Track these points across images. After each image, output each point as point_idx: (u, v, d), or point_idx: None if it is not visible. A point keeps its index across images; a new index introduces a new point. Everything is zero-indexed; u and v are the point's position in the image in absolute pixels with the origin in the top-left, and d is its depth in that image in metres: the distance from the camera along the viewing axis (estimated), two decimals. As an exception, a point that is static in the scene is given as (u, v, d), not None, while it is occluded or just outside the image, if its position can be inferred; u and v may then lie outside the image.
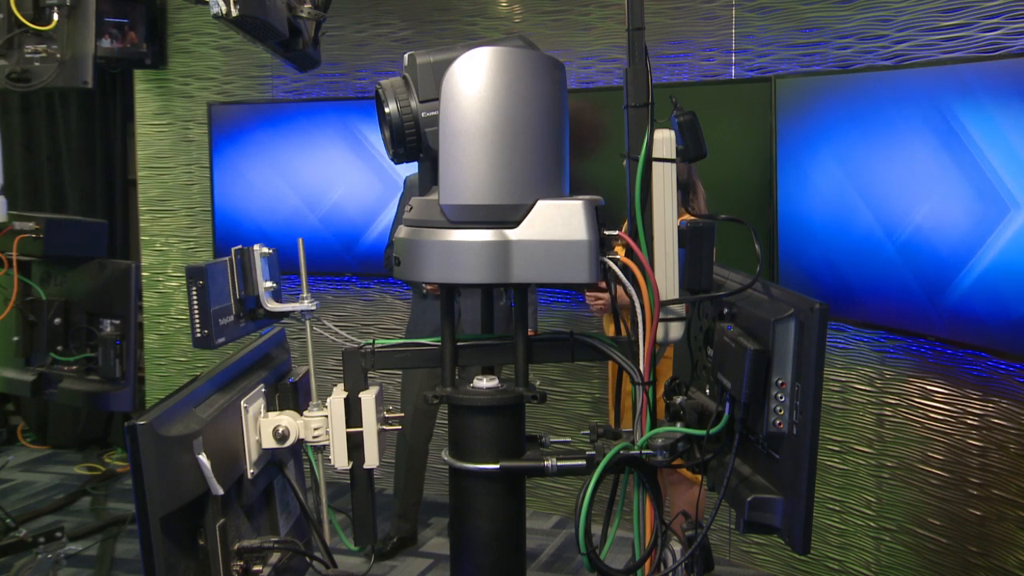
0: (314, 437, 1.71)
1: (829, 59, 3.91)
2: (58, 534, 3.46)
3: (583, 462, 1.61)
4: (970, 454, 3.45)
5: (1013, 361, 3.25)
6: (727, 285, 1.65)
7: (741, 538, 4.34)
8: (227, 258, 1.74)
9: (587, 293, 3.76)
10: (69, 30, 2.57)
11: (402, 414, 1.79)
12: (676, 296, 1.61)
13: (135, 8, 5.36)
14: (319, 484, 1.78)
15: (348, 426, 1.68)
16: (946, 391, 3.54)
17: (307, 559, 1.76)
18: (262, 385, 1.74)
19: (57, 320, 2.95)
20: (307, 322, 1.80)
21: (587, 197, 1.55)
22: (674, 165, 1.61)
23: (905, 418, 3.71)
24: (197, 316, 1.65)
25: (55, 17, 2.55)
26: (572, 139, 1.60)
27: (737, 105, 4.13)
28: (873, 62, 3.73)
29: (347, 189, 5.20)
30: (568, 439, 1.76)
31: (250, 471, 1.66)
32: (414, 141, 1.55)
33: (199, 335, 1.65)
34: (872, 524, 3.85)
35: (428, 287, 4.11)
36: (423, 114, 1.54)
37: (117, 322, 2.88)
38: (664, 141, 1.60)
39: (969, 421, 3.45)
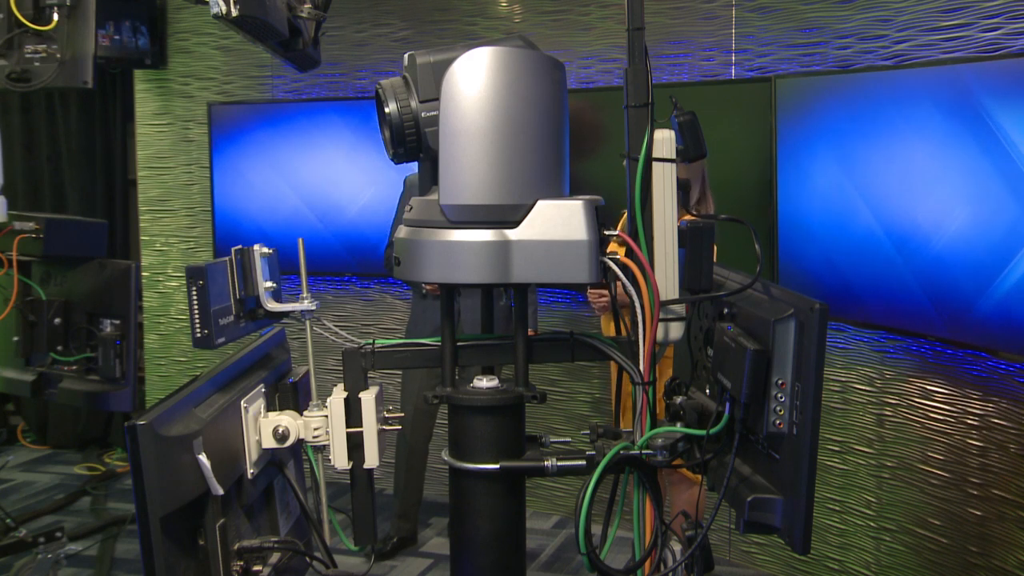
0: (314, 437, 1.71)
1: (829, 59, 3.91)
2: (58, 534, 3.46)
3: (583, 462, 1.61)
4: (970, 454, 3.45)
5: (1013, 361, 3.25)
6: (727, 285, 1.65)
7: (741, 538, 4.34)
8: (227, 258, 1.74)
9: (589, 291, 3.76)
10: (69, 30, 2.57)
11: (402, 414, 1.79)
12: (676, 296, 1.61)
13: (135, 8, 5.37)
14: (319, 484, 1.78)
15: (348, 426, 1.68)
16: (946, 391, 3.54)
17: (307, 559, 1.76)
18: (262, 385, 1.74)
19: (57, 320, 2.95)
20: (307, 322, 1.80)
21: (587, 197, 1.55)
22: (674, 165, 1.61)
23: (905, 418, 3.71)
24: (197, 316, 1.65)
25: (55, 17, 2.55)
26: (572, 139, 1.60)
27: (737, 105, 4.13)
28: (873, 62, 3.73)
29: (347, 189, 5.20)
30: (568, 439, 1.76)
31: (250, 471, 1.66)
32: (414, 141, 1.55)
33: (199, 335, 1.65)
34: (872, 524, 3.85)
35: (428, 287, 4.11)
36: (423, 114, 1.54)
37: (117, 322, 2.88)
38: (664, 141, 1.60)
39: (969, 421, 3.45)
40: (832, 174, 3.77)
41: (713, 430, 1.54)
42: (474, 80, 1.49)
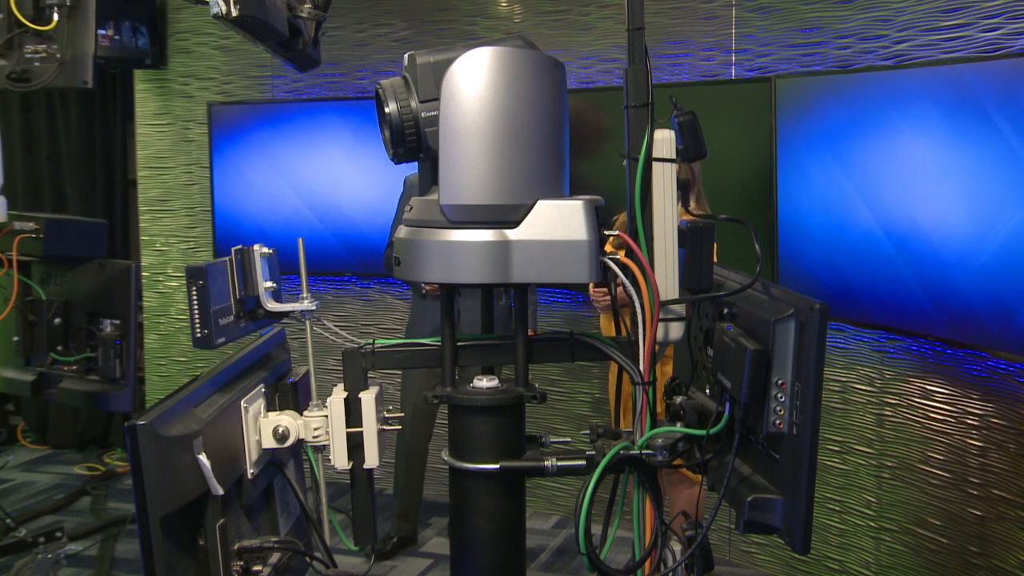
0: (314, 437, 1.71)
1: (829, 59, 3.91)
2: (58, 534, 3.46)
3: (583, 462, 1.61)
4: (970, 454, 3.45)
5: (1013, 361, 3.25)
6: (727, 285, 1.65)
7: (741, 538, 4.34)
8: (227, 258, 1.74)
9: (593, 289, 3.76)
10: (69, 30, 2.57)
11: (402, 414, 1.79)
12: (676, 296, 1.61)
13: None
14: (319, 484, 1.78)
15: (348, 426, 1.68)
16: (946, 391, 3.54)
17: (307, 559, 1.76)
18: (262, 385, 1.74)
19: (57, 320, 2.95)
20: (307, 322, 1.80)
21: (587, 197, 1.55)
22: (674, 165, 1.61)
23: (905, 418, 3.71)
24: (197, 316, 1.65)
25: (55, 17, 2.55)
26: (572, 139, 1.60)
27: (737, 105, 4.13)
28: (873, 62, 3.73)
29: (347, 189, 5.20)
30: (568, 439, 1.76)
31: (250, 471, 1.66)
32: (414, 141, 1.55)
33: (199, 335, 1.65)
34: (872, 524, 3.85)
35: (428, 287, 4.11)
36: (423, 114, 1.54)
37: (117, 322, 2.88)
38: (664, 141, 1.60)
39: (969, 421, 3.45)
40: (832, 174, 3.77)
41: (713, 430, 1.54)
42: (474, 80, 1.49)
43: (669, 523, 1.66)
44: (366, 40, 5.23)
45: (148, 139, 5.72)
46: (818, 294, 1.73)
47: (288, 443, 1.69)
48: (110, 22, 5.27)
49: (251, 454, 1.66)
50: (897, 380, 3.74)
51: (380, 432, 1.70)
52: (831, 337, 3.92)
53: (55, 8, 2.55)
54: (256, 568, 1.61)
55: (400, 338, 1.94)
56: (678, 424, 1.63)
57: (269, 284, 1.79)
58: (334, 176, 5.21)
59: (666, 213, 1.60)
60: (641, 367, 1.59)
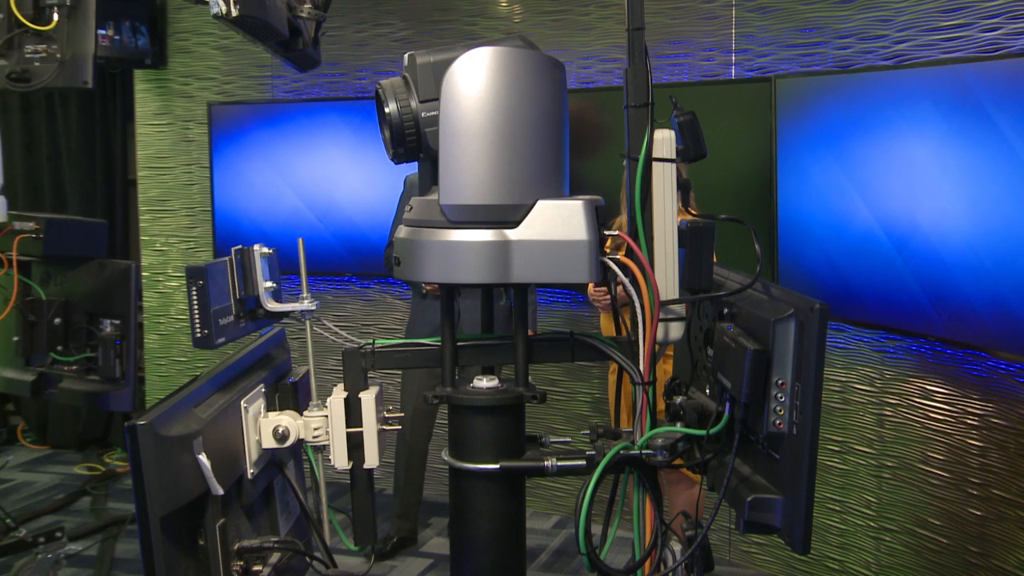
0: (314, 437, 1.71)
1: (829, 59, 3.91)
2: (58, 534, 3.46)
3: (583, 462, 1.61)
4: (970, 454, 3.45)
5: (1013, 361, 3.25)
6: (727, 285, 1.65)
7: (741, 538, 4.34)
8: (227, 258, 1.74)
9: (593, 289, 3.76)
10: (69, 30, 2.57)
11: (402, 414, 1.79)
12: (676, 296, 1.61)
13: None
14: (319, 484, 1.78)
15: (348, 426, 1.68)
16: (946, 391, 3.54)
17: (307, 559, 1.76)
18: (262, 385, 1.74)
19: (57, 320, 2.95)
20: (307, 322, 1.80)
21: (587, 197, 1.55)
22: (674, 165, 1.61)
23: (905, 418, 3.71)
24: (197, 316, 1.65)
25: (55, 17, 2.55)
26: (572, 139, 1.60)
27: (737, 105, 4.13)
28: (873, 62, 3.73)
29: (347, 189, 5.20)
30: (568, 439, 1.76)
31: (250, 471, 1.66)
32: (414, 141, 1.55)
33: (199, 335, 1.65)
34: (872, 524, 3.85)
35: (428, 287, 4.11)
36: (423, 114, 1.54)
37: (117, 322, 2.88)
38: (664, 141, 1.60)
39: (969, 421, 3.45)
40: (832, 174, 3.77)
41: (713, 430, 1.54)
42: (474, 80, 1.49)
43: (669, 523, 1.66)
44: (366, 40, 5.23)
45: (148, 139, 5.72)
46: (818, 294, 1.73)
47: (288, 443, 1.69)
48: (110, 22, 5.27)
49: (251, 454, 1.66)
50: (897, 380, 3.74)
51: (380, 432, 1.70)
52: (831, 337, 3.92)
53: (55, 8, 2.54)
54: (256, 568, 1.61)
55: (400, 338, 1.94)
56: (678, 424, 1.63)
57: (269, 284, 1.79)
58: (334, 176, 5.21)
59: (666, 213, 1.60)
60: (641, 367, 1.59)
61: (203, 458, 1.46)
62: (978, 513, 3.41)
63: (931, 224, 3.41)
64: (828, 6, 3.90)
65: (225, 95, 5.52)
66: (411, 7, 5.13)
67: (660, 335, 1.60)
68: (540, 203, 1.51)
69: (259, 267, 1.78)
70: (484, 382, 1.64)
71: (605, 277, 1.56)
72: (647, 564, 1.64)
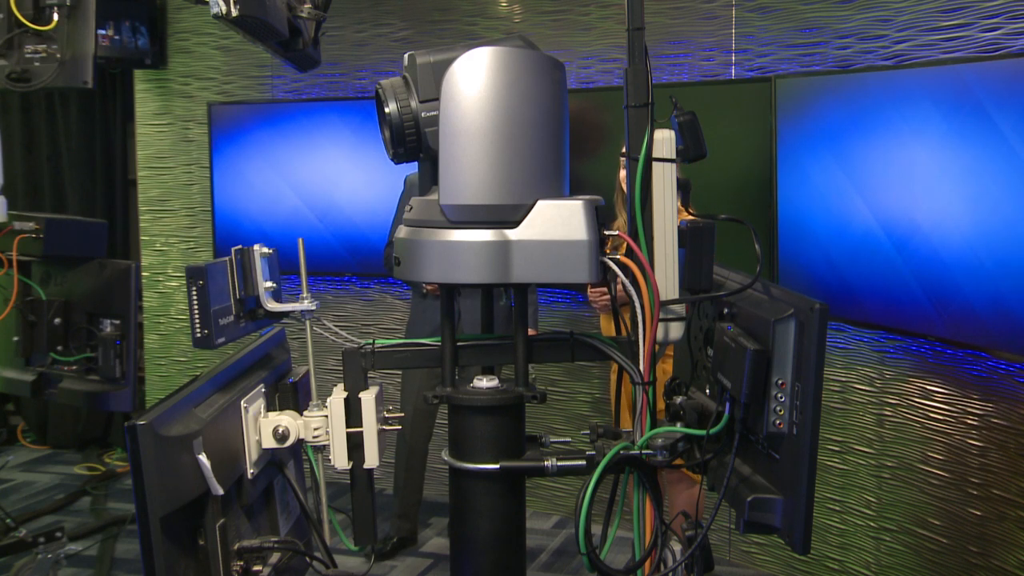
0: (314, 437, 1.71)
1: (829, 59, 3.91)
2: (58, 534, 3.46)
3: (583, 462, 1.61)
4: (970, 454, 3.45)
5: (1013, 361, 3.25)
6: (727, 285, 1.65)
7: (741, 538, 4.34)
8: (227, 258, 1.74)
9: (590, 289, 3.76)
10: (69, 30, 2.57)
11: (402, 414, 1.79)
12: (676, 296, 1.61)
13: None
14: (319, 484, 1.78)
15: (348, 426, 1.68)
16: (946, 391, 3.54)
17: (307, 559, 1.76)
18: (262, 385, 1.74)
19: (57, 320, 2.95)
20: (307, 322, 1.80)
21: (587, 197, 1.55)
22: (674, 165, 1.61)
23: (905, 418, 3.71)
24: (197, 316, 1.65)
25: (55, 17, 2.55)
26: (572, 139, 1.60)
27: (737, 105, 4.13)
28: (873, 62, 3.73)
29: (347, 189, 5.20)
30: (568, 439, 1.76)
31: (250, 471, 1.66)
32: (414, 141, 1.55)
33: (199, 335, 1.65)
34: (872, 524, 3.85)
35: (428, 287, 4.11)
36: (423, 114, 1.54)
37: (117, 322, 2.88)
38: (664, 141, 1.60)
39: (969, 421, 3.45)
40: (832, 174, 3.77)
41: (713, 430, 1.54)
42: (474, 80, 1.49)
43: (669, 523, 1.66)
44: (366, 40, 5.23)
45: (148, 139, 5.72)
46: (818, 294, 1.73)
47: (288, 443, 1.69)
48: (110, 22, 5.27)
49: (251, 454, 1.66)
50: (897, 380, 3.74)
51: (380, 432, 1.70)
52: (831, 337, 3.92)
53: (55, 8, 2.54)
54: (256, 568, 1.61)
55: (400, 338, 1.94)
56: (678, 424, 1.63)
57: (269, 284, 1.79)
58: (334, 176, 5.21)
59: (666, 213, 1.60)
60: (641, 367, 1.59)
61: (203, 458, 1.46)
62: (978, 513, 3.41)
63: (931, 224, 3.41)
64: (828, 6, 3.90)
65: (225, 95, 5.52)
66: (411, 7, 5.13)
67: (660, 335, 1.60)
68: (540, 203, 1.51)
69: (259, 267, 1.78)
70: (484, 382, 1.64)
71: (605, 277, 1.56)
72: (647, 564, 1.64)
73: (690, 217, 1.65)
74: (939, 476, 3.57)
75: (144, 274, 5.75)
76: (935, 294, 3.42)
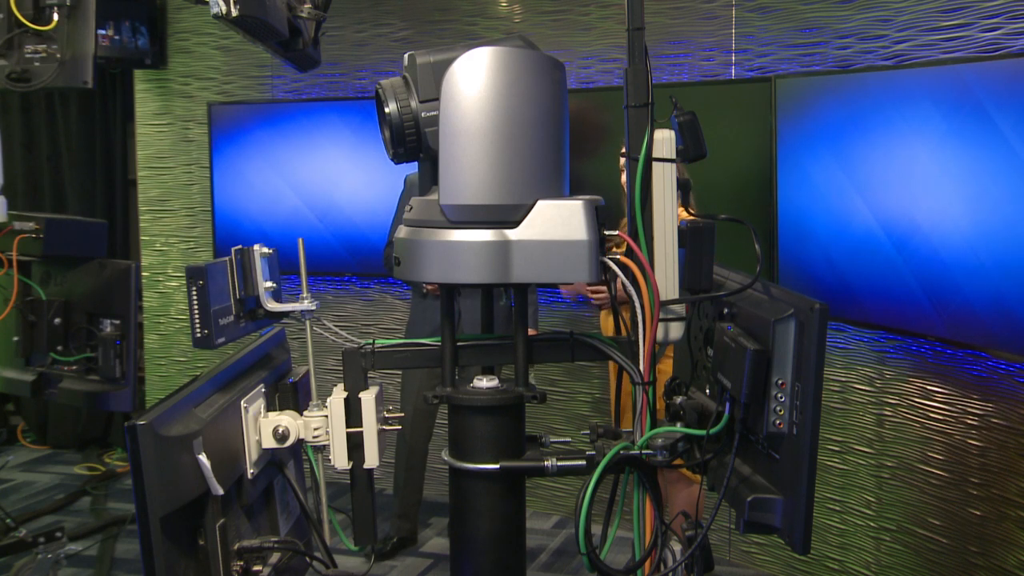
0: (314, 437, 1.71)
1: (829, 59, 3.91)
2: (58, 534, 3.46)
3: (583, 462, 1.61)
4: (970, 454, 3.45)
5: (1013, 361, 3.25)
6: (727, 285, 1.65)
7: (741, 538, 4.34)
8: (227, 258, 1.74)
9: (587, 287, 3.77)
10: (69, 30, 2.57)
11: (402, 414, 1.79)
12: (676, 296, 1.61)
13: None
14: (319, 484, 1.78)
15: (348, 426, 1.68)
16: (946, 391, 3.54)
17: (307, 559, 1.76)
18: (262, 385, 1.74)
19: (57, 320, 2.95)
20: (307, 322, 1.80)
21: (587, 197, 1.55)
22: (674, 165, 1.61)
23: (905, 418, 3.71)
24: (197, 316, 1.65)
25: (55, 17, 2.55)
26: (572, 139, 1.60)
27: (737, 105, 4.13)
28: (873, 62, 3.73)
29: (347, 189, 5.20)
30: (568, 439, 1.76)
31: (250, 471, 1.66)
32: (414, 141, 1.55)
33: (199, 335, 1.65)
34: (872, 524, 3.85)
35: (428, 287, 4.11)
36: (423, 114, 1.54)
37: (117, 322, 2.88)
38: (664, 141, 1.60)
39: (969, 421, 3.45)
40: (832, 174, 3.77)
41: (713, 430, 1.54)
42: (474, 80, 1.49)
43: (669, 523, 1.66)
44: (366, 40, 5.23)
45: (148, 139, 5.72)
46: (818, 294, 1.73)
47: (288, 443, 1.69)
48: (110, 22, 5.27)
49: (251, 454, 1.66)
50: (897, 380, 3.74)
51: (380, 432, 1.70)
52: (831, 337, 3.92)
53: (55, 8, 2.54)
54: (256, 568, 1.61)
55: (400, 338, 1.94)
56: (678, 424, 1.63)
57: (269, 284, 1.79)
58: (334, 176, 5.21)
59: (666, 213, 1.60)
60: (641, 367, 1.59)
61: (203, 458, 1.46)
62: (978, 513, 3.41)
63: (931, 224, 3.41)
64: (828, 6, 3.90)
65: (225, 95, 5.52)
66: (411, 7, 5.13)
67: (660, 335, 1.60)
68: (540, 203, 1.51)
69: (259, 267, 1.78)
70: (484, 382, 1.64)
71: (605, 277, 1.56)
72: (647, 564, 1.64)
73: (690, 217, 1.65)
74: (939, 476, 3.57)
75: (144, 274, 5.75)
76: (935, 294, 3.42)
